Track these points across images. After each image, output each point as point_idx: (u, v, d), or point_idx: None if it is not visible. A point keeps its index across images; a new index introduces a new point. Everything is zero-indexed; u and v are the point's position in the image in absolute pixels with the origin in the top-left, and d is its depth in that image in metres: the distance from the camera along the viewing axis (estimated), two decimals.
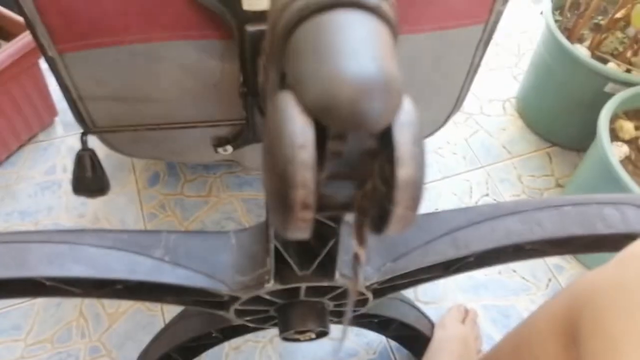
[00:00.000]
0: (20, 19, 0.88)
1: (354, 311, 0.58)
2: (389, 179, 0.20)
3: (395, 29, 0.24)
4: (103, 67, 0.63)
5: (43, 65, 0.95)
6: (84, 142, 0.70)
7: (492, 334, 0.86)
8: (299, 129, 0.19)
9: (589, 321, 0.37)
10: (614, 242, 0.46)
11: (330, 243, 0.42)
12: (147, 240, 0.49)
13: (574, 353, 0.38)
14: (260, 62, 0.56)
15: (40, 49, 0.60)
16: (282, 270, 0.45)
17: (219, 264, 0.48)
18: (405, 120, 0.21)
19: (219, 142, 0.74)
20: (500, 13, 0.64)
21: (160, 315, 0.85)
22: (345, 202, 0.22)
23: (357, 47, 0.20)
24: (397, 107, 0.21)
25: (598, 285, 0.38)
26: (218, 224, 0.92)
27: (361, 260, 0.22)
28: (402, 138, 0.20)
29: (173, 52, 0.62)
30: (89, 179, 0.71)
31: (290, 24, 0.23)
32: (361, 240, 0.22)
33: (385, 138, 0.21)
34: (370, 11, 0.22)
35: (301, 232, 0.21)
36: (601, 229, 0.45)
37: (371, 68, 0.19)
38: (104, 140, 0.75)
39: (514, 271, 0.93)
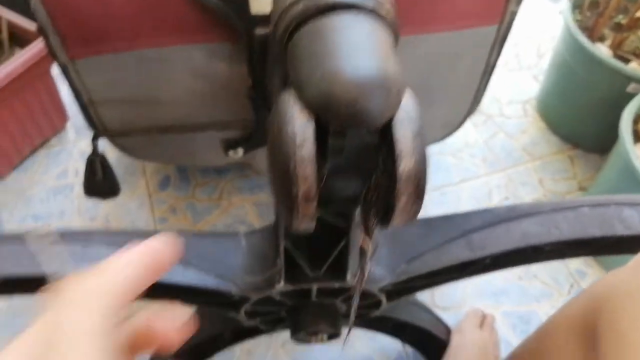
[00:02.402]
0: (33, 26, 0.89)
1: (368, 313, 0.57)
2: (391, 173, 0.21)
3: (395, 29, 0.25)
4: (113, 72, 0.63)
5: (55, 71, 0.95)
6: (94, 146, 0.70)
7: (512, 340, 0.84)
8: (299, 127, 0.20)
9: (606, 324, 0.35)
10: (633, 244, 0.44)
11: (341, 244, 0.42)
12: None
13: (593, 355, 0.36)
14: (268, 65, 0.56)
15: (53, 55, 0.61)
16: (292, 271, 0.45)
17: (230, 265, 0.48)
18: (404, 116, 0.21)
19: (230, 145, 0.74)
20: (514, 14, 0.63)
21: None
22: (350, 196, 0.23)
23: (355, 47, 0.21)
24: (395, 105, 0.21)
25: (615, 287, 0.37)
26: (229, 228, 0.91)
27: (367, 253, 0.23)
28: (402, 133, 0.21)
29: (182, 56, 0.61)
30: (99, 182, 0.71)
31: (290, 27, 0.24)
32: (367, 231, 0.23)
33: (386, 133, 0.21)
34: (368, 12, 0.23)
35: (306, 224, 0.22)
36: (620, 230, 0.44)
37: (369, 67, 0.20)
38: (115, 144, 0.74)
39: (535, 276, 0.90)
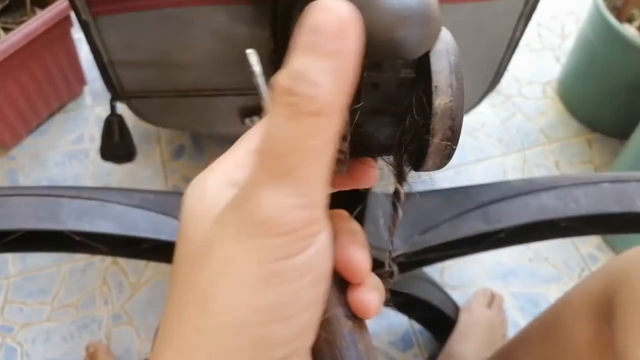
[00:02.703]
0: None
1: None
2: (426, 110, 0.20)
3: None
4: (135, 31, 0.63)
5: (75, 34, 0.95)
6: (112, 108, 0.70)
7: (520, 322, 0.84)
8: None
9: (625, 295, 0.35)
10: None
11: (357, 210, 0.41)
12: (172, 202, 0.49)
13: (609, 332, 0.36)
14: (293, 27, 0.55)
15: (75, 12, 0.60)
16: None
17: None
18: (442, 49, 0.20)
19: (247, 113, 0.73)
20: None
21: None
22: (384, 143, 0.22)
23: None
24: (434, 36, 0.20)
25: (634, 263, 0.37)
26: None
27: (401, 197, 0.22)
28: (440, 66, 0.20)
29: (205, 17, 0.61)
30: (116, 144, 0.71)
31: None
32: (400, 177, 0.22)
33: (423, 67, 0.20)
34: None
35: (338, 166, 0.20)
36: None
37: None
38: (132, 108, 0.74)
39: (546, 259, 0.90)
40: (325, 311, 0.21)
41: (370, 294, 0.21)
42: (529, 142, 1.03)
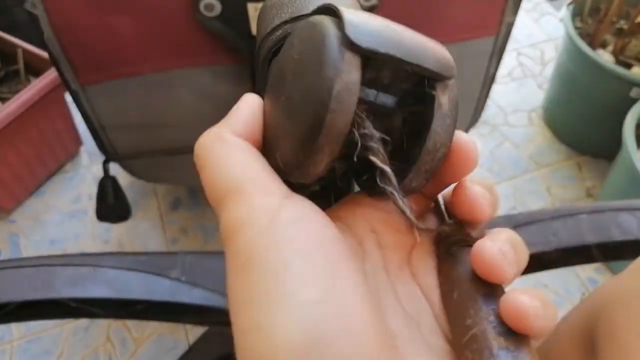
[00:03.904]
0: (46, 55, 0.92)
1: None
2: (416, 135, 0.21)
3: None
4: (123, 96, 0.65)
5: (68, 98, 0.98)
6: (105, 170, 0.72)
7: None
8: (339, 52, 0.19)
9: (604, 330, 0.35)
10: (632, 250, 0.44)
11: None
12: (164, 262, 0.50)
13: None
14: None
15: (65, 83, 0.63)
16: None
17: None
18: (451, 84, 0.21)
19: None
20: (510, 25, 0.64)
21: (185, 339, 0.85)
22: (372, 145, 0.21)
23: None
24: (453, 66, 0.21)
25: (613, 294, 0.37)
26: None
27: (392, 180, 0.21)
28: (444, 99, 0.20)
29: (188, 79, 0.63)
30: (111, 205, 0.72)
31: (273, 49, 0.24)
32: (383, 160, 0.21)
33: (422, 93, 0.21)
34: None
35: (319, 169, 0.20)
36: (616, 235, 0.44)
37: None
38: (126, 168, 0.76)
39: (546, 286, 0.90)
40: (469, 327, 0.18)
41: (523, 294, 0.18)
42: (519, 169, 1.05)
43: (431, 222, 0.24)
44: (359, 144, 0.20)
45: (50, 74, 0.92)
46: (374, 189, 0.22)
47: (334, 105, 0.18)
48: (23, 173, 0.97)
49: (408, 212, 0.20)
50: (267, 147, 0.22)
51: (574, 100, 1.02)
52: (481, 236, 0.21)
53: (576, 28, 0.96)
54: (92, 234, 0.95)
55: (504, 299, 0.18)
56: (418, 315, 0.21)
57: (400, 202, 0.20)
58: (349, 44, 0.19)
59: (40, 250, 0.94)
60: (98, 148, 0.72)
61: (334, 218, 0.22)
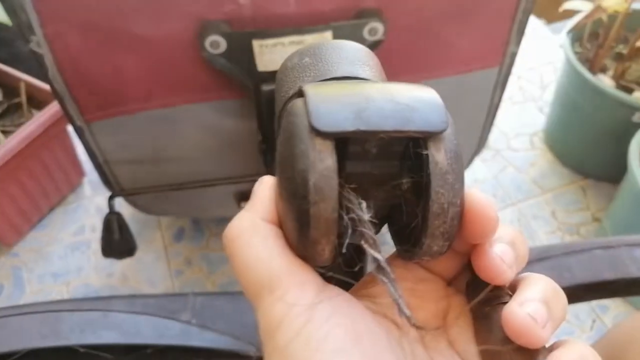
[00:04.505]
0: (48, 88, 0.92)
1: None
2: (419, 204, 0.20)
3: None
4: (127, 132, 0.65)
5: (70, 129, 0.98)
6: (111, 206, 0.72)
7: None
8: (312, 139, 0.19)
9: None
10: None
11: (357, 267, 0.41)
12: (174, 304, 0.50)
13: None
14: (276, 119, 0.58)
15: (69, 119, 0.63)
16: None
17: (246, 325, 0.48)
18: (447, 134, 0.20)
19: (242, 197, 0.75)
20: (514, 55, 0.64)
21: None
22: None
23: None
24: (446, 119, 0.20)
25: (637, 330, 0.37)
26: None
27: (386, 269, 0.19)
28: (439, 156, 0.19)
29: (193, 115, 0.63)
30: (117, 241, 0.72)
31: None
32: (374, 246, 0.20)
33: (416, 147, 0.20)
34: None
35: (328, 253, 0.19)
36: (634, 271, 0.43)
37: None
38: (130, 202, 0.76)
39: None
40: None
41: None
42: (523, 194, 1.04)
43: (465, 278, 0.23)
44: (349, 230, 0.19)
45: (53, 107, 0.92)
46: (404, 253, 0.22)
47: (313, 197, 0.18)
48: (26, 206, 0.96)
49: (402, 303, 0.19)
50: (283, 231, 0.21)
51: (574, 124, 1.02)
52: (514, 287, 0.21)
53: (576, 53, 0.97)
54: (95, 267, 0.94)
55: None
56: None
57: (393, 292, 0.19)
58: (317, 131, 0.18)
59: (44, 284, 0.93)
60: (103, 183, 0.72)
61: (362, 296, 0.21)
